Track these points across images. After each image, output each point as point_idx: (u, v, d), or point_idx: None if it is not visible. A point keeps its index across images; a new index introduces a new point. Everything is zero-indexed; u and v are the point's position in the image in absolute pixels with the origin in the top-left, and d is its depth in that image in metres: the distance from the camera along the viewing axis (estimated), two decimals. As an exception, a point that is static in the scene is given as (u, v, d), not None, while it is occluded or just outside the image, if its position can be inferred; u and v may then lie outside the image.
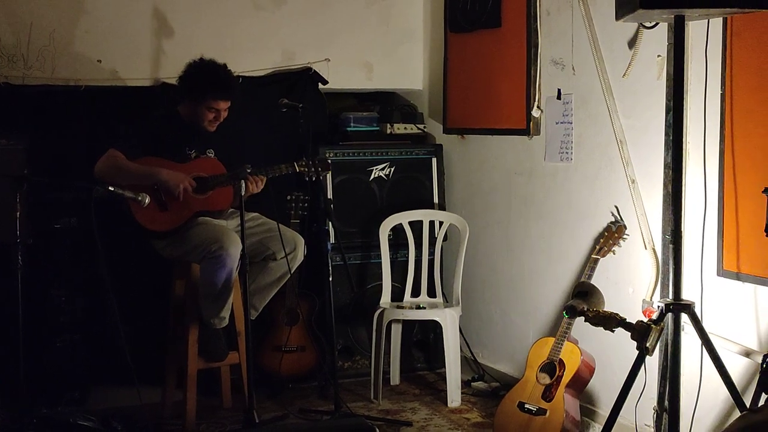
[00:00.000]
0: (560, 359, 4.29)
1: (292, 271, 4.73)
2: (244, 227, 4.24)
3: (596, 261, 4.36)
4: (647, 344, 3.34)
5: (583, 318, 3.65)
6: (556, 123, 4.78)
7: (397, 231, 5.43)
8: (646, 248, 4.19)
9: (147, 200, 4.20)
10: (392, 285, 5.40)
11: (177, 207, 4.54)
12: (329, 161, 4.95)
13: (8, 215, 3.90)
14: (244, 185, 4.30)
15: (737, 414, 3.38)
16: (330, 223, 4.87)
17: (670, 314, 3.37)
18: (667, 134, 3.97)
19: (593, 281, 4.31)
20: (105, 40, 5.20)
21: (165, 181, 4.48)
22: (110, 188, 4.09)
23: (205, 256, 4.46)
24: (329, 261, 4.64)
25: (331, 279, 4.65)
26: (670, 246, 3.42)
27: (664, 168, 4.00)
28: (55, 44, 5.09)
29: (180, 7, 5.36)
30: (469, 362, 5.52)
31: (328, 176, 5.41)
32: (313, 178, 4.67)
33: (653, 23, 3.72)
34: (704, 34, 3.70)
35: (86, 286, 5.05)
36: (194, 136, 4.69)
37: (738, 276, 3.67)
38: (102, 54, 5.20)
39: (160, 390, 4.84)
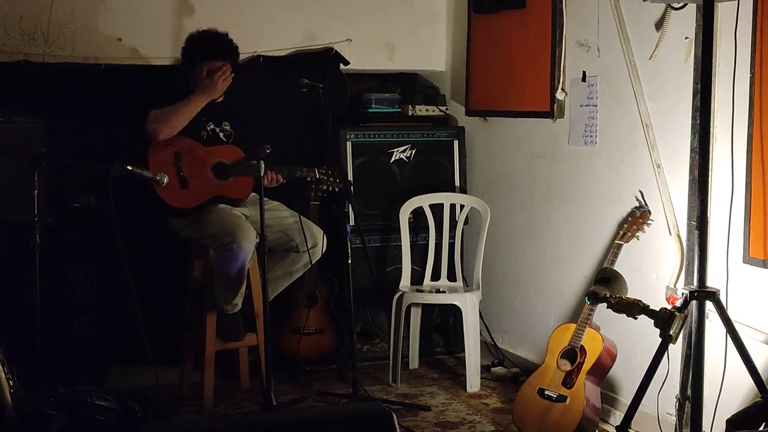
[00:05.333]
0: (581, 346, 4.24)
1: (310, 264, 4.75)
2: (264, 213, 4.21)
3: (620, 246, 4.31)
4: (671, 332, 3.29)
5: (605, 304, 3.61)
6: (581, 106, 4.72)
7: (418, 214, 5.38)
8: (670, 234, 4.14)
9: (165, 179, 4.19)
10: (412, 268, 5.36)
11: (198, 186, 4.54)
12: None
13: (26, 194, 3.88)
14: (263, 165, 4.26)
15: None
16: (350, 205, 4.84)
17: (694, 301, 3.31)
18: (694, 118, 3.92)
19: (616, 267, 4.26)
20: (125, 18, 5.17)
21: (206, 93, 4.58)
22: (128, 167, 4.07)
23: (218, 246, 4.47)
24: (349, 244, 4.62)
25: (350, 262, 4.62)
26: (696, 232, 3.36)
27: (691, 153, 3.95)
28: (76, 22, 5.07)
29: (200, -15, 5.33)
30: (488, 347, 5.48)
31: (349, 159, 5.38)
32: (331, 188, 4.72)
33: (681, 4, 3.65)
34: (734, 16, 3.63)
35: (105, 266, 5.04)
36: (209, 108, 4.68)
37: (765, 263, 3.61)
38: (122, 32, 5.17)
39: (178, 371, 4.83)
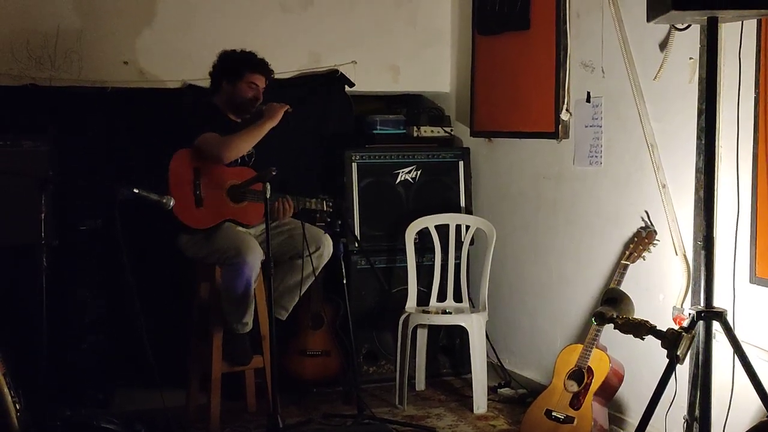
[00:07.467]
0: (588, 366, 4.23)
1: (318, 270, 4.74)
2: (269, 230, 4.22)
3: (626, 267, 4.30)
4: (678, 352, 3.27)
5: (612, 325, 3.60)
6: (586, 126, 4.73)
7: (423, 235, 5.38)
8: (677, 254, 4.13)
9: (171, 203, 4.18)
10: (418, 289, 5.35)
11: (212, 208, 4.55)
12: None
13: (33, 217, 3.89)
14: (269, 187, 4.26)
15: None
16: (348, 226, 4.86)
17: (701, 322, 3.30)
18: (699, 138, 3.91)
19: (623, 287, 4.25)
20: (131, 41, 5.20)
21: (272, 119, 4.63)
22: (135, 190, 4.06)
23: (223, 262, 4.48)
24: (342, 264, 4.71)
25: (345, 282, 4.69)
26: (702, 252, 3.36)
27: (696, 173, 3.94)
28: (82, 46, 5.10)
29: (206, 9, 5.36)
30: (495, 368, 5.46)
31: (354, 180, 5.39)
32: (328, 219, 4.78)
33: (685, 25, 3.66)
34: (738, 36, 3.64)
35: (111, 287, 5.04)
36: (229, 128, 4.69)
37: (771, 283, 3.60)
38: (129, 56, 5.20)
39: (184, 393, 4.82)
